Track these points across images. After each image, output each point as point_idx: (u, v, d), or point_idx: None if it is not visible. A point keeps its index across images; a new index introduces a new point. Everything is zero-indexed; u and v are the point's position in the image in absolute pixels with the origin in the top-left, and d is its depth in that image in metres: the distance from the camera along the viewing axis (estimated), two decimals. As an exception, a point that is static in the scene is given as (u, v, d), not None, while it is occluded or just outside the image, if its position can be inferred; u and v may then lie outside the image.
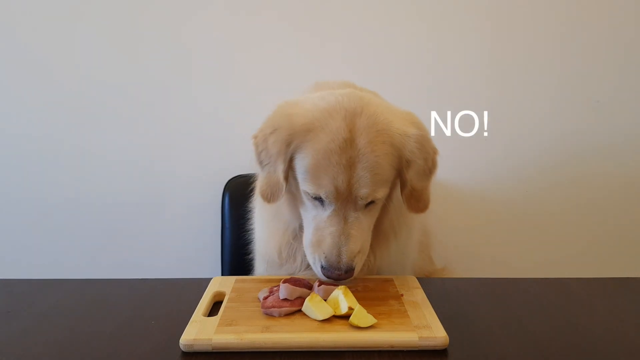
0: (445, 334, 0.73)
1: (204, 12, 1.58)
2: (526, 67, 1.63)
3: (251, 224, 1.19)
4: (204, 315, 0.79)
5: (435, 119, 1.66)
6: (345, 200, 0.86)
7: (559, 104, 1.66)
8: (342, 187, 0.84)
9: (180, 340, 0.72)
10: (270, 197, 0.92)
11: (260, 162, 0.93)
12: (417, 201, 0.93)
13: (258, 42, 1.59)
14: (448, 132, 1.67)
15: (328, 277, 0.86)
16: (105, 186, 1.69)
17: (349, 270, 0.85)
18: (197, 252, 1.72)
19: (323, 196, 0.86)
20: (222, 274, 1.55)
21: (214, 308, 0.84)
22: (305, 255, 0.95)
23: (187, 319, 0.77)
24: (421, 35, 1.60)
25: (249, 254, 1.22)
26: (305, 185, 0.87)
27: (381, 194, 0.88)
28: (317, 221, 0.89)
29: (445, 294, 0.92)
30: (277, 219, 1.04)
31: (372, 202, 0.89)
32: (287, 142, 0.87)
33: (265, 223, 1.09)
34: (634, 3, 1.59)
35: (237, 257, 1.52)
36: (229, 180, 1.61)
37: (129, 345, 0.74)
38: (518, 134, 1.67)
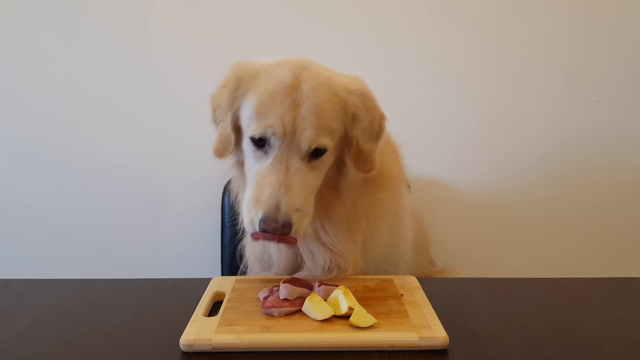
0: (445, 334, 0.73)
1: (204, 15, 1.58)
2: (526, 67, 1.63)
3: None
4: (204, 315, 0.79)
5: (434, 119, 1.66)
6: (288, 145, 0.85)
7: (558, 104, 1.66)
8: (288, 126, 0.85)
9: (180, 340, 0.72)
10: (222, 152, 0.96)
11: (215, 120, 0.98)
12: (364, 162, 0.94)
13: (257, 44, 1.59)
14: (448, 133, 1.67)
15: (264, 232, 0.83)
16: (106, 187, 1.69)
17: (286, 225, 0.82)
18: (197, 252, 1.73)
19: (269, 134, 0.85)
20: (222, 274, 1.55)
21: (214, 308, 0.84)
22: (282, 258, 0.98)
23: (187, 319, 0.77)
24: (422, 36, 1.60)
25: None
26: (250, 129, 0.88)
27: (325, 141, 0.87)
28: (258, 174, 0.87)
29: (445, 294, 0.92)
30: None
31: (316, 155, 0.88)
32: (235, 89, 0.91)
33: None
34: (634, 3, 1.59)
35: (237, 257, 1.52)
36: (229, 181, 1.61)
37: (129, 345, 0.74)
38: (518, 135, 1.67)
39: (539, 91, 1.65)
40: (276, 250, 1.01)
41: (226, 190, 1.61)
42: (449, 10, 1.59)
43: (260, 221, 0.82)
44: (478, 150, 1.68)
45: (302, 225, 0.86)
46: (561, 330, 0.79)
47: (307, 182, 0.87)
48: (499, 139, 1.68)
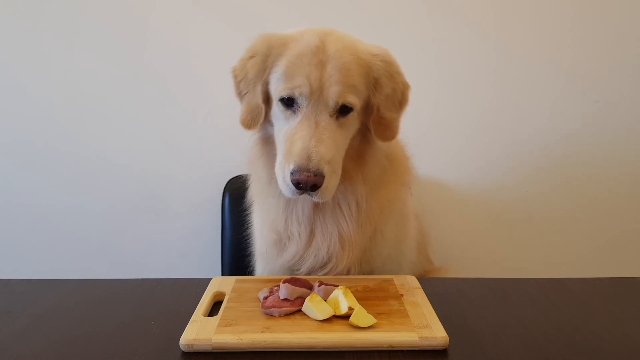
0: (445, 334, 0.73)
1: (204, 15, 1.58)
2: (526, 67, 1.63)
3: (250, 220, 1.19)
4: (204, 315, 0.79)
5: (434, 119, 1.66)
6: (317, 102, 0.88)
7: (558, 104, 1.66)
8: (315, 84, 0.88)
9: (180, 340, 0.72)
10: (250, 123, 0.96)
11: (240, 93, 0.98)
12: (385, 129, 0.96)
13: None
14: (448, 133, 1.67)
15: (297, 183, 0.85)
16: (107, 187, 1.69)
17: (318, 175, 0.84)
18: (197, 252, 1.73)
19: (296, 93, 0.88)
20: (222, 274, 1.55)
21: (214, 308, 0.84)
22: (303, 232, 0.99)
23: (187, 319, 0.77)
24: (422, 36, 1.60)
25: (249, 255, 1.22)
26: (278, 91, 0.90)
27: (352, 99, 0.90)
28: (288, 133, 0.90)
29: (445, 294, 0.92)
30: (269, 194, 1.03)
31: (344, 113, 0.90)
32: (264, 58, 0.92)
33: (260, 205, 1.11)
34: (634, 3, 1.59)
35: (237, 257, 1.52)
36: (229, 181, 1.62)
37: (129, 345, 0.74)
38: (518, 135, 1.67)
39: (539, 91, 1.65)
40: (297, 224, 1.01)
41: (226, 191, 1.61)
42: (449, 10, 1.59)
43: (292, 172, 0.85)
44: (478, 150, 1.68)
45: (332, 182, 0.88)
46: (561, 330, 0.79)
47: (335, 137, 0.89)
48: (499, 139, 1.68)
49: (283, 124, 0.92)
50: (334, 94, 0.88)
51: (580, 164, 1.70)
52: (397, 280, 0.94)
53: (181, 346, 0.72)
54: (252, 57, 0.95)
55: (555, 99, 1.65)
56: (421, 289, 0.90)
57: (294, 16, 1.58)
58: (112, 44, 1.60)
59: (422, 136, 1.66)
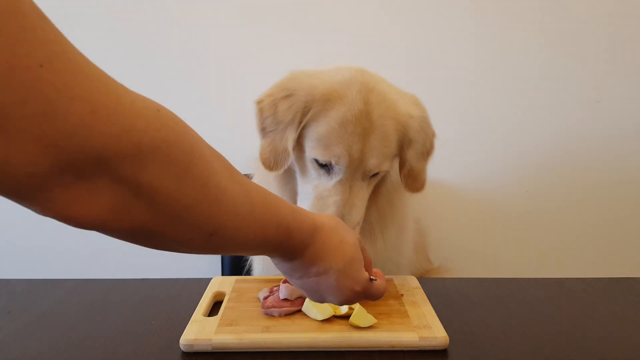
0: (445, 334, 0.73)
1: (203, 14, 1.58)
2: (526, 66, 1.63)
3: None
4: (204, 315, 0.79)
5: (434, 119, 1.66)
6: (354, 170, 0.88)
7: (558, 104, 1.66)
8: (355, 155, 0.87)
9: (180, 340, 0.72)
10: (273, 165, 0.92)
11: (263, 129, 0.93)
12: (414, 181, 0.97)
13: (258, 43, 1.59)
14: (447, 131, 1.67)
15: None
16: (105, 186, 1.69)
17: None
18: (197, 252, 1.72)
19: (334, 162, 0.87)
20: (222, 274, 1.55)
21: (214, 308, 0.84)
22: None
23: (187, 319, 0.77)
24: (420, 33, 1.60)
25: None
26: (315, 153, 0.88)
27: (386, 166, 0.92)
28: (319, 190, 0.89)
29: (445, 294, 0.92)
30: None
31: (375, 175, 0.92)
32: (304, 109, 0.88)
33: None
34: (635, 3, 1.59)
35: (237, 257, 1.52)
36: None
37: (129, 346, 0.74)
38: (518, 134, 1.67)
39: (539, 91, 1.65)
40: None
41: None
42: (449, 10, 1.59)
43: None
44: (478, 150, 1.68)
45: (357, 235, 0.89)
46: (561, 330, 0.79)
47: (365, 197, 0.91)
48: (499, 139, 1.68)
49: (314, 177, 0.91)
50: (373, 165, 0.88)
51: (580, 164, 1.70)
52: (397, 280, 0.94)
53: (181, 346, 0.72)
54: (286, 97, 0.90)
55: (555, 99, 1.65)
56: (421, 289, 0.90)
57: (293, 15, 1.58)
58: (112, 42, 1.59)
59: (422, 136, 1.66)
